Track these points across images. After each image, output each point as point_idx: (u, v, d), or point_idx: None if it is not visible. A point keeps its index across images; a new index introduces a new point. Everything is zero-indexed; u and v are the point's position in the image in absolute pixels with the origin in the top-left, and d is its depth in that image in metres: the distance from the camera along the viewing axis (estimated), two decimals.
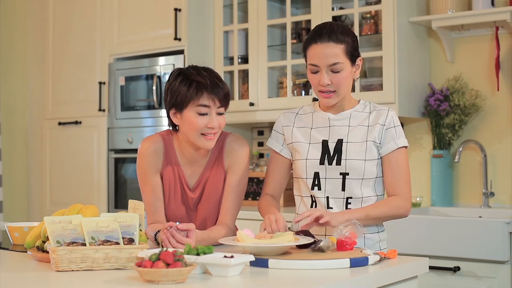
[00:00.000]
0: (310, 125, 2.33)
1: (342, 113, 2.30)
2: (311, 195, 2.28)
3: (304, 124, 2.34)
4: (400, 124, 2.27)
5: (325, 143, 2.27)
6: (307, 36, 2.27)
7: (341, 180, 2.23)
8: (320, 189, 2.25)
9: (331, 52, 2.18)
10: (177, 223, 2.09)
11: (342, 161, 2.22)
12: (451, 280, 3.14)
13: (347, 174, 2.22)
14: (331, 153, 2.25)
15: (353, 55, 2.23)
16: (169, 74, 2.36)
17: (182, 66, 3.53)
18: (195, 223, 2.26)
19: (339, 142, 2.25)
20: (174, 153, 2.37)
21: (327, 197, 2.25)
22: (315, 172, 2.25)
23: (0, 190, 4.59)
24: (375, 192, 2.27)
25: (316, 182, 2.25)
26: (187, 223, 2.12)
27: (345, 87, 2.23)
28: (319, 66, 2.20)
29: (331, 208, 2.25)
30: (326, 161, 2.24)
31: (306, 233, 2.08)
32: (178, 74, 2.29)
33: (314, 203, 2.28)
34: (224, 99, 2.26)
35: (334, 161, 2.23)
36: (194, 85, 2.23)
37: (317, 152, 2.27)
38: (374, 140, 2.24)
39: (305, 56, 2.27)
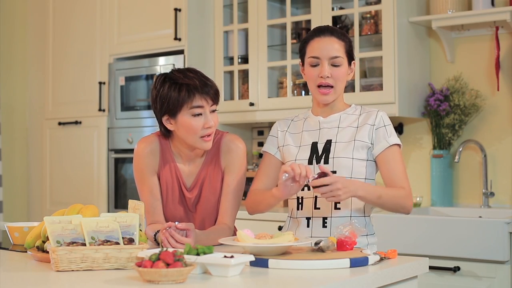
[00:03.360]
0: (301, 130, 2.36)
1: (332, 116, 2.32)
2: (298, 197, 2.29)
3: (297, 129, 2.37)
4: (390, 124, 2.28)
5: (314, 145, 2.29)
6: (307, 35, 2.33)
7: None
8: (310, 189, 2.25)
9: (334, 45, 2.25)
10: (176, 222, 2.10)
11: (330, 160, 2.24)
12: (451, 280, 3.14)
13: (335, 172, 2.22)
14: (320, 153, 2.27)
15: (350, 55, 2.30)
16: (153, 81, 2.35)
17: (183, 66, 3.53)
18: (194, 223, 2.26)
19: (328, 142, 2.27)
20: (170, 153, 2.37)
21: (315, 197, 2.25)
22: None
23: (0, 190, 4.59)
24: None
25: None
26: (186, 223, 2.12)
27: (342, 84, 2.28)
28: (320, 58, 2.24)
29: (318, 208, 2.26)
30: (314, 161, 2.26)
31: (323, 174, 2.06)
32: (164, 80, 2.27)
33: (300, 205, 2.29)
34: (215, 97, 2.28)
35: (322, 160, 2.25)
36: (184, 88, 2.23)
37: (306, 153, 2.29)
38: (363, 140, 2.24)
39: (303, 53, 2.31)
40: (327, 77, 2.23)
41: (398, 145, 2.26)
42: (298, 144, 2.33)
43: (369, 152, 2.26)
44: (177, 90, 2.23)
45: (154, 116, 2.35)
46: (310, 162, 2.26)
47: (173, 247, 2.03)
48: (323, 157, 2.25)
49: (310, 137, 2.32)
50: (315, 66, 2.26)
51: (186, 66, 2.38)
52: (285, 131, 2.39)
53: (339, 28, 3.73)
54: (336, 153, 2.24)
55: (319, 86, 2.26)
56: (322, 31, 2.28)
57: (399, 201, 2.20)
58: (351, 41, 2.33)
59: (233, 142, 2.39)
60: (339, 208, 2.24)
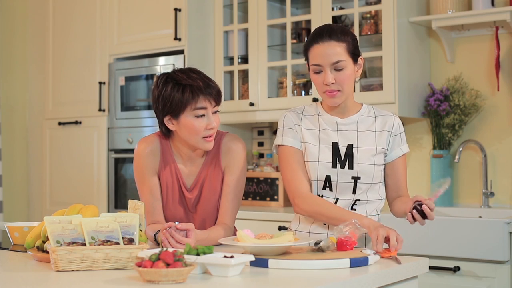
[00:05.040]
0: (317, 127, 2.31)
1: (350, 117, 2.30)
2: (318, 195, 2.27)
3: (312, 125, 2.31)
4: (404, 130, 2.35)
5: (335, 146, 2.27)
6: (308, 39, 2.29)
7: (353, 183, 2.25)
8: (332, 190, 2.26)
9: (333, 50, 2.19)
10: (176, 223, 2.10)
11: (355, 166, 2.24)
12: (451, 280, 3.14)
13: (359, 178, 2.24)
14: (342, 157, 2.26)
15: (354, 53, 2.24)
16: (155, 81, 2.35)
17: (183, 66, 3.53)
18: (194, 224, 2.26)
19: (350, 147, 2.26)
20: (171, 153, 2.37)
21: (337, 199, 2.26)
22: (326, 175, 2.26)
23: (0, 190, 4.59)
24: (380, 195, 2.32)
25: (327, 184, 2.26)
26: (186, 223, 2.12)
27: (349, 86, 2.24)
28: (322, 65, 2.20)
29: None
30: (338, 165, 2.25)
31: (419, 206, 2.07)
32: (166, 80, 2.27)
33: None
34: (218, 97, 2.28)
35: (346, 165, 2.25)
36: (188, 89, 2.22)
37: (328, 155, 2.26)
38: (382, 147, 2.29)
39: (306, 59, 2.28)
40: (332, 83, 2.20)
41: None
42: (317, 144, 2.28)
43: (384, 156, 2.31)
44: (181, 91, 2.22)
45: (155, 116, 2.35)
46: (334, 166, 2.25)
47: (173, 247, 2.03)
48: (347, 162, 2.25)
49: (329, 137, 2.28)
50: (318, 73, 2.22)
51: (186, 66, 2.37)
52: (301, 126, 2.31)
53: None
54: (360, 160, 2.25)
55: (326, 91, 2.23)
56: (321, 35, 2.22)
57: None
58: (354, 37, 2.26)
59: (233, 142, 2.39)
60: (355, 209, 2.25)
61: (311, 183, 2.28)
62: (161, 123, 2.32)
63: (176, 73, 2.28)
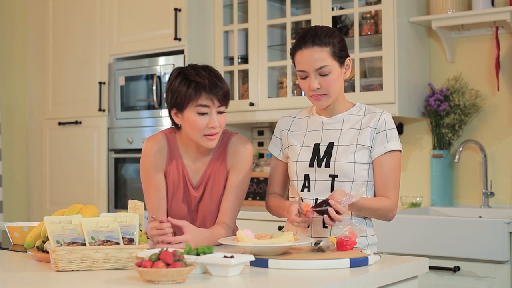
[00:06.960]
0: (304, 129, 2.34)
1: (336, 116, 2.30)
2: (301, 197, 2.28)
3: (299, 128, 2.35)
4: (393, 127, 2.25)
5: (316, 146, 2.27)
6: (293, 43, 2.28)
7: (330, 182, 2.22)
8: (310, 191, 2.25)
9: (316, 56, 2.18)
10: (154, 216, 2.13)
11: (331, 163, 2.22)
12: (451, 280, 3.14)
13: (336, 176, 2.21)
14: (321, 156, 2.25)
15: (340, 56, 2.22)
16: (169, 74, 2.37)
17: (182, 66, 3.54)
18: (196, 223, 2.26)
19: (330, 145, 2.25)
20: (178, 151, 2.38)
21: (316, 199, 2.24)
22: (305, 174, 2.26)
23: (0, 190, 4.59)
24: (366, 196, 2.24)
25: (306, 184, 2.26)
26: (179, 220, 2.14)
27: (335, 89, 2.23)
28: (307, 71, 2.21)
29: None
30: (315, 163, 2.24)
31: (325, 202, 2.05)
32: (178, 74, 2.30)
33: None
34: (224, 98, 2.27)
35: (323, 163, 2.23)
36: (192, 85, 2.24)
37: (307, 155, 2.27)
38: (364, 144, 2.22)
39: (293, 63, 2.28)
40: (318, 88, 2.20)
41: (398, 150, 2.24)
42: (301, 144, 2.31)
43: (370, 155, 2.25)
44: (186, 86, 2.25)
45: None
46: (311, 165, 2.25)
47: (161, 242, 2.04)
48: (325, 160, 2.23)
49: (313, 138, 2.30)
50: (304, 78, 2.23)
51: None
52: (287, 130, 2.37)
53: (338, 28, 3.77)
54: (337, 157, 2.22)
55: (312, 95, 2.24)
56: (304, 41, 2.21)
57: (382, 213, 2.23)
58: (340, 39, 2.24)
59: (241, 144, 2.39)
60: None
61: (292, 183, 2.31)
62: (170, 116, 2.34)
63: (188, 68, 2.31)
